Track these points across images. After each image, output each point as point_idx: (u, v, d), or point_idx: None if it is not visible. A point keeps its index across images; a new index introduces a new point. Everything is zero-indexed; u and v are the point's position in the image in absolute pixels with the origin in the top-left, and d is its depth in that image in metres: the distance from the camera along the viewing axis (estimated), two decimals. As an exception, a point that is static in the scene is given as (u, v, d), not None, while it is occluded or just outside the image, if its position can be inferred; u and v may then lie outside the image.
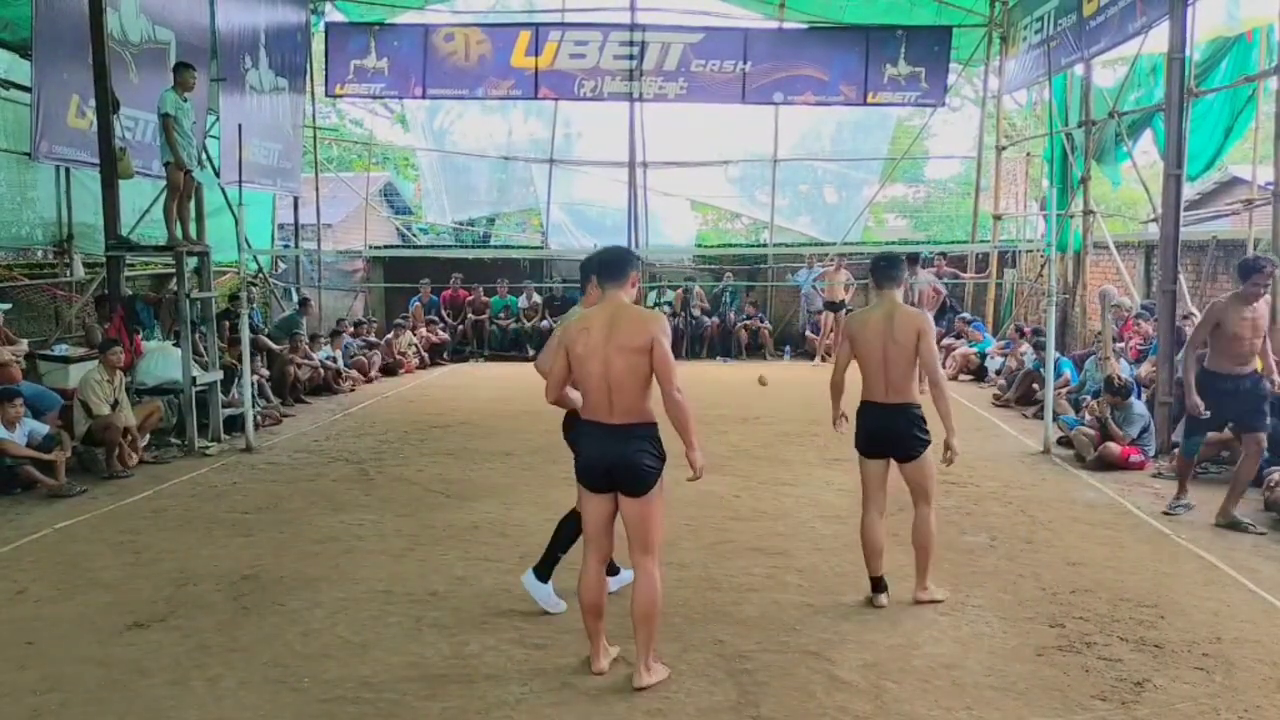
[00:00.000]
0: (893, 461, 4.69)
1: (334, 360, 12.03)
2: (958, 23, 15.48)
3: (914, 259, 13.59)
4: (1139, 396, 8.36)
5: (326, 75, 15.89)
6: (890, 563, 5.32)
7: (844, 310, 14.77)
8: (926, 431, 4.61)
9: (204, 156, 10.81)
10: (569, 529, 4.56)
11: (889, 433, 4.61)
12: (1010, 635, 4.34)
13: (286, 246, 16.45)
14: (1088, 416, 8.25)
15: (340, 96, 17.09)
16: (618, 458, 3.72)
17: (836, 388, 4.84)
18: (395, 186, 25.63)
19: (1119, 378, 8.01)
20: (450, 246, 18.34)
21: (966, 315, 14.24)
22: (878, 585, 4.73)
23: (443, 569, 5.26)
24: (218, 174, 11.92)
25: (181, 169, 8.48)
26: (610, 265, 3.88)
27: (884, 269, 4.77)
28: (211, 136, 12.22)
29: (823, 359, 14.57)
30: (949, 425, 4.48)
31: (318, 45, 16.03)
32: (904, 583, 5.01)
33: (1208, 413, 5.98)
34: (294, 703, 3.73)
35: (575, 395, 3.98)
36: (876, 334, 4.57)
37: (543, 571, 4.60)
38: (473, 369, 14.42)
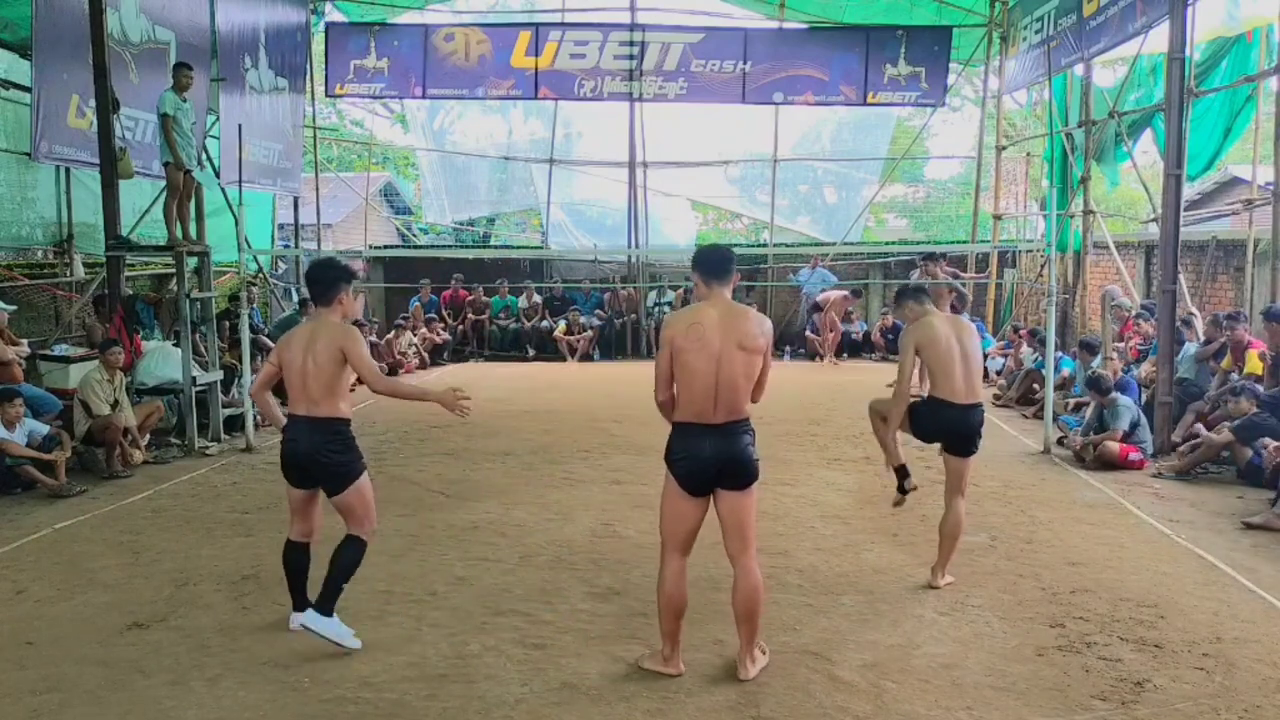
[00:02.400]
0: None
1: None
2: (958, 23, 15.48)
3: (931, 258, 13.47)
4: (1139, 397, 8.37)
5: (326, 75, 15.88)
6: (889, 561, 5.33)
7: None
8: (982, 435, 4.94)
9: (204, 156, 10.81)
10: (348, 559, 4.21)
11: (965, 430, 4.83)
12: (1010, 635, 4.34)
13: (286, 246, 16.45)
14: (1076, 441, 8.08)
15: (340, 96, 17.08)
16: (729, 457, 3.74)
17: (903, 401, 4.94)
18: (395, 186, 25.67)
19: (1095, 371, 8.07)
20: (450, 246, 18.34)
21: (966, 316, 14.23)
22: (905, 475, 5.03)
23: (443, 569, 5.26)
24: (218, 174, 11.91)
25: (181, 169, 8.49)
26: (716, 263, 3.93)
27: (913, 292, 5.09)
28: (211, 136, 12.22)
29: (823, 358, 14.65)
30: None
31: (318, 45, 16.03)
32: (903, 581, 5.01)
33: None
34: (294, 703, 3.73)
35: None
36: (948, 336, 4.81)
37: (327, 607, 4.16)
38: (473, 369, 14.42)
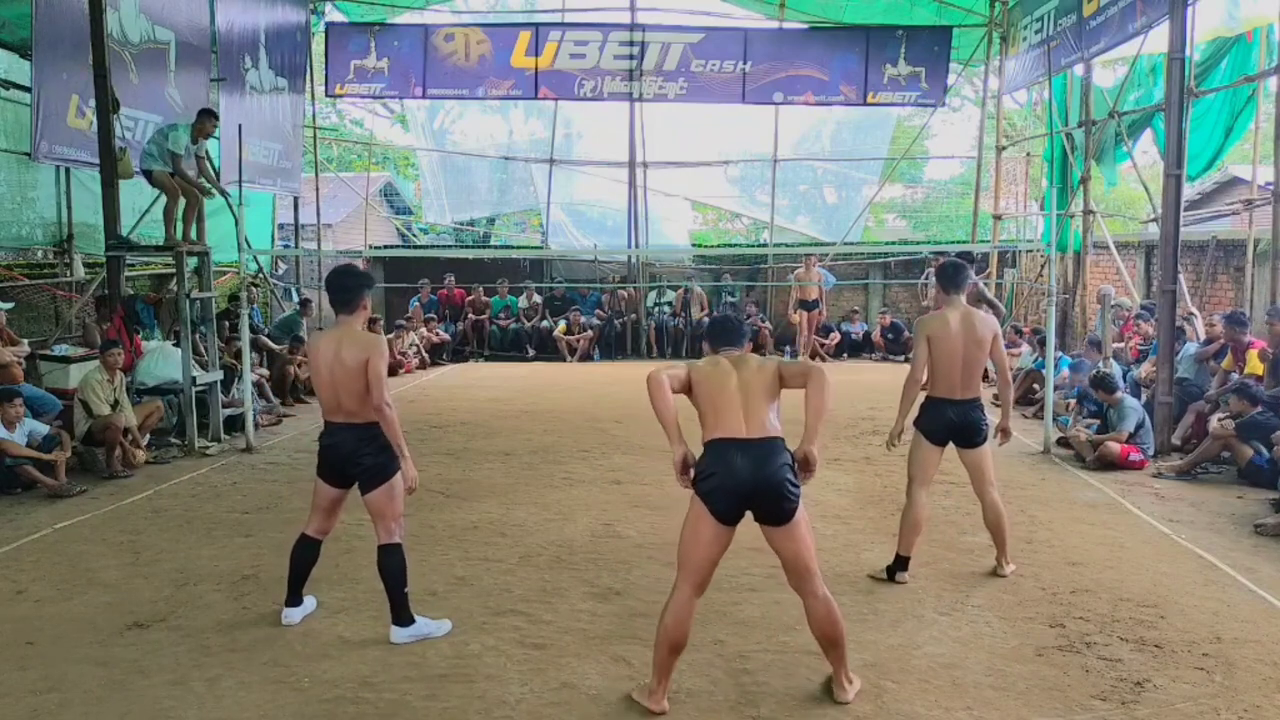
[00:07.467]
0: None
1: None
2: (958, 23, 15.48)
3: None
4: (1139, 396, 8.36)
5: (326, 75, 15.89)
6: (889, 561, 5.33)
7: (817, 309, 14.81)
8: (988, 422, 5.08)
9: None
10: (393, 566, 4.29)
11: (966, 423, 4.95)
12: (1010, 635, 4.34)
13: (286, 246, 16.45)
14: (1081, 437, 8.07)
15: (340, 96, 17.10)
16: (761, 482, 3.48)
17: (915, 384, 4.99)
18: (395, 186, 25.68)
19: (1099, 372, 8.06)
20: (450, 246, 18.35)
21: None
22: (906, 565, 5.00)
23: (443, 569, 5.26)
24: (217, 174, 11.91)
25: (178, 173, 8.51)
26: (727, 334, 3.93)
27: (951, 275, 5.06)
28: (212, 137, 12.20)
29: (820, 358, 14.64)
30: (1008, 412, 5.24)
31: (318, 45, 16.04)
32: (900, 581, 5.02)
33: None
34: (294, 703, 3.73)
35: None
36: (957, 335, 4.88)
37: (404, 617, 4.29)
38: (473, 369, 14.42)
